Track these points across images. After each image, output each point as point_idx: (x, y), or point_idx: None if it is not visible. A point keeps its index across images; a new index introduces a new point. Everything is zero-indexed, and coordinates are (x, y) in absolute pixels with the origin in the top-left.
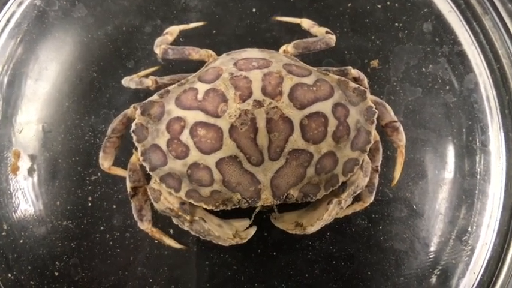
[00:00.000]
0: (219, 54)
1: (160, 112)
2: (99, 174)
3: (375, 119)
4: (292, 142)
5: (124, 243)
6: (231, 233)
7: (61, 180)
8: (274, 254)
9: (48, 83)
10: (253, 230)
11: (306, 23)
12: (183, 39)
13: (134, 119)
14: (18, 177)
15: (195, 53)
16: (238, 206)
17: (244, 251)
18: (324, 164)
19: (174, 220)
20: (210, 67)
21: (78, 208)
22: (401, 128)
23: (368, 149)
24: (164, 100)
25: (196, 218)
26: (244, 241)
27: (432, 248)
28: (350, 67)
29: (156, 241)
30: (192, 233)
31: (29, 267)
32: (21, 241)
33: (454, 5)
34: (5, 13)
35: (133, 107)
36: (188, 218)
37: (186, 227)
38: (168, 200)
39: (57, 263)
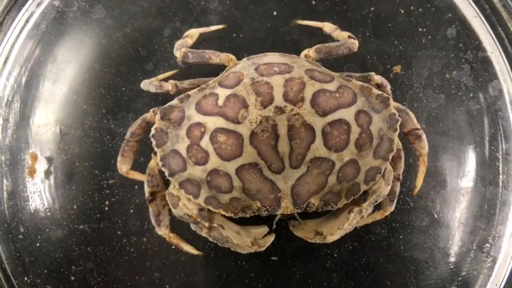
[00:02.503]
0: (238, 57)
1: (180, 117)
2: (116, 178)
3: (398, 127)
4: (314, 150)
5: (141, 248)
6: (249, 241)
7: (78, 183)
8: (292, 262)
9: (65, 84)
10: (271, 238)
11: (328, 27)
12: (202, 42)
13: (153, 123)
14: (35, 179)
15: (215, 56)
16: (257, 214)
17: (262, 258)
18: (346, 172)
19: (192, 226)
20: (230, 72)
21: (95, 212)
22: (424, 136)
23: (390, 157)
24: (184, 105)
25: (215, 224)
26: (263, 249)
27: (453, 258)
28: (373, 73)
29: (173, 247)
30: (210, 239)
31: (45, 271)
32: (38, 244)
33: (479, 10)
34: (23, 14)
35: (153, 112)
36: (206, 224)
37: (204, 233)
38: (186, 206)
39: (73, 267)
